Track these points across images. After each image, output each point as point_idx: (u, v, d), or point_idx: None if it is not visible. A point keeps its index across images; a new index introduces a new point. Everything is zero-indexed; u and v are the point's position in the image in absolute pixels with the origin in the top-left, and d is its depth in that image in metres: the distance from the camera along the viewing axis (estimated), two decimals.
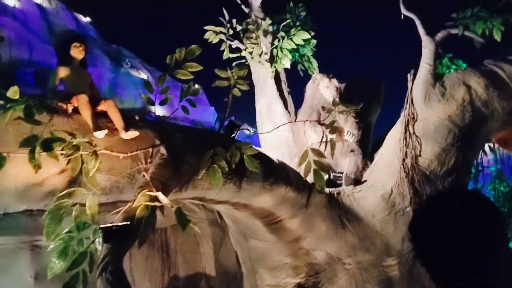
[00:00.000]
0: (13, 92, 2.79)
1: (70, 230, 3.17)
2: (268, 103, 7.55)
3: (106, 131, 3.55)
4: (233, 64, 5.94)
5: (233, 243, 6.75)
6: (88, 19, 28.16)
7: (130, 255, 6.20)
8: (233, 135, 5.11)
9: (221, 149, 4.22)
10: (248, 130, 6.40)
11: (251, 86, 7.77)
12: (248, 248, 6.27)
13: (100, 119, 3.82)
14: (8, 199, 3.17)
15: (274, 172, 5.28)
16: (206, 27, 7.49)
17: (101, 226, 2.93)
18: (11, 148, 2.97)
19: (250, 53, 7.46)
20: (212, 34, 7.53)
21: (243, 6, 7.86)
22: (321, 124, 6.59)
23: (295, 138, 7.32)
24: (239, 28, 7.43)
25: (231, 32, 7.59)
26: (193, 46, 4.71)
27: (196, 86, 4.94)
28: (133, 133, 3.74)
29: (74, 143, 3.14)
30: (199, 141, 4.49)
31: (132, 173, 3.83)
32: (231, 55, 7.53)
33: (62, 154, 3.07)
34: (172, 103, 4.78)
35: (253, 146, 4.38)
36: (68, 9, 26.31)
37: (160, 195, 3.28)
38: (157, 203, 3.26)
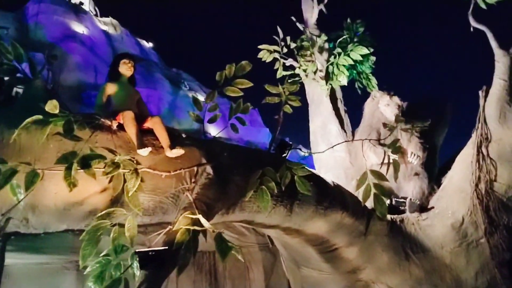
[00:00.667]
0: (52, 106, 2.70)
1: (108, 253, 2.99)
2: (323, 122, 7.17)
3: (150, 149, 3.39)
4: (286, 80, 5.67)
5: (285, 270, 6.35)
6: (150, 44, 29.56)
7: (177, 278, 6.00)
8: (284, 155, 4.79)
9: (271, 169, 3.92)
10: (300, 150, 6.03)
11: (305, 104, 7.46)
12: (300, 277, 5.86)
13: (146, 137, 3.68)
14: (48, 218, 3.06)
15: (329, 196, 4.87)
16: (260, 46, 7.35)
17: (137, 250, 2.72)
18: (52, 166, 2.87)
19: (305, 70, 7.18)
20: (266, 53, 7.37)
21: (298, 24, 7.64)
22: (382, 144, 6.09)
23: (352, 159, 6.86)
24: (293, 45, 7.20)
25: (285, 50, 7.38)
26: (243, 62, 4.52)
27: (248, 104, 4.71)
28: (178, 151, 3.55)
29: (114, 161, 2.99)
30: (247, 160, 4.23)
31: (176, 193, 3.62)
32: (285, 73, 7.29)
33: (102, 172, 2.92)
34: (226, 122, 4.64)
35: (306, 167, 4.02)
36: (132, 35, 27.80)
37: (201, 218, 3.01)
38: (198, 227, 3.00)
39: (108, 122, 3.45)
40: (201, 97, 26.91)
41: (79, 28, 22.94)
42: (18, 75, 3.34)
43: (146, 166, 3.46)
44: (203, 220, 2.99)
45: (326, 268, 5.38)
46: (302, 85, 7.40)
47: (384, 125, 6.48)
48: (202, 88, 28.87)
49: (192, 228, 2.97)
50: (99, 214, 2.99)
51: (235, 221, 4.54)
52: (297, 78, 7.34)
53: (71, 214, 3.13)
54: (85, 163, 2.71)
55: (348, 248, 5.19)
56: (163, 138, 3.64)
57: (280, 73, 7.36)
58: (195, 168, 3.61)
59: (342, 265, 5.31)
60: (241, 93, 4.54)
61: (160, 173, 3.40)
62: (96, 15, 27.37)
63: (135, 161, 3.32)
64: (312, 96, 7.40)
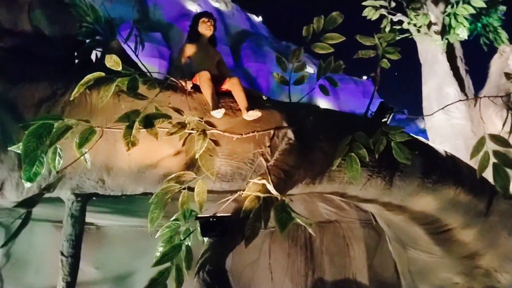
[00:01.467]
0: (113, 62, 2.57)
1: (177, 218, 2.85)
2: (438, 84, 6.20)
3: (223, 110, 3.14)
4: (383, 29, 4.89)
5: (391, 250, 5.73)
6: (260, 18, 29.59)
7: (270, 249, 5.81)
8: (384, 120, 4.17)
9: (362, 134, 3.38)
10: (403, 113, 5.25)
11: (417, 64, 6.54)
12: (407, 259, 5.21)
13: (224, 99, 3.44)
14: (123, 180, 3.03)
15: (439, 168, 4.14)
16: (364, 3, 6.61)
17: (198, 216, 2.51)
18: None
19: (415, 25, 6.24)
20: (371, 11, 6.60)
21: None
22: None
23: (475, 127, 5.83)
24: None
25: (393, 4, 6.52)
26: (333, 13, 3.98)
27: (340, 62, 4.17)
28: (254, 113, 3.24)
29: (181, 121, 2.80)
30: (337, 125, 3.74)
31: (255, 159, 3.34)
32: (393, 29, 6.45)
33: (166, 132, 2.75)
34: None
35: (405, 132, 3.40)
36: (242, 10, 28.11)
37: (268, 184, 2.68)
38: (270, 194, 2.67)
39: (182, 83, 3.28)
40: (311, 69, 26.32)
41: (193, 7, 23.86)
42: (98, 37, 3.34)
43: (221, 129, 3.23)
44: (269, 187, 2.65)
45: (436, 251, 4.68)
46: (412, 42, 6.49)
47: None
48: (312, 60, 28.13)
49: (263, 195, 2.65)
50: (169, 177, 2.85)
51: (325, 192, 4.11)
52: (407, 35, 6.45)
53: (146, 177, 3.06)
54: (148, 122, 2.56)
55: (464, 230, 4.41)
56: (241, 100, 3.36)
57: (388, 30, 6.53)
58: (272, 132, 3.26)
59: (457, 249, 4.56)
60: (331, 49, 4.03)
61: (231, 135, 3.14)
62: None
63: (207, 123, 3.10)
64: (426, 54, 6.44)
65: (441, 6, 6.20)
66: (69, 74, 2.97)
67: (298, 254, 5.94)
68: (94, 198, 3.14)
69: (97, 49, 3.38)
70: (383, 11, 6.59)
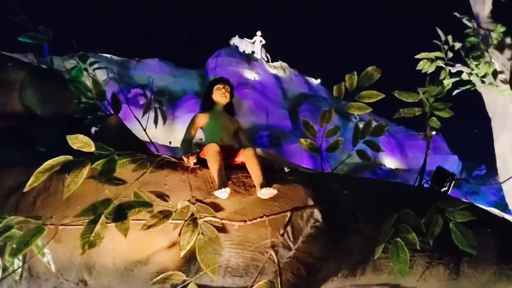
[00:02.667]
0: (80, 143, 2.14)
1: None
2: None
3: (228, 190, 2.62)
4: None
5: None
6: (318, 80, 29.68)
7: None
8: (444, 189, 3.39)
9: (410, 212, 2.67)
10: (467, 181, 4.35)
11: (486, 119, 5.67)
12: None
13: (237, 174, 2.94)
14: (108, 280, 2.54)
15: None
16: (418, 56, 6.01)
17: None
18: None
19: (478, 75, 5.46)
20: (426, 63, 5.97)
21: (465, 21, 6.03)
22: None
23: None
24: (457, 46, 5.62)
25: (449, 55, 5.85)
26: (369, 68, 3.44)
27: (382, 123, 3.56)
28: (268, 192, 2.68)
29: (165, 209, 2.30)
30: (380, 200, 3.05)
31: (275, 248, 2.72)
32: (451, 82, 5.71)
33: (143, 226, 2.25)
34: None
35: (469, 208, 2.62)
36: (301, 74, 28.44)
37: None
38: None
39: (185, 159, 2.84)
40: None
41: (250, 75, 24.59)
42: (98, 113, 3.07)
43: (231, 211, 2.70)
44: None
45: None
46: (477, 94, 5.68)
47: None
48: (375, 118, 27.23)
49: None
50: (155, 279, 2.31)
51: (372, 284, 3.32)
52: (469, 86, 5.66)
53: (135, 275, 2.54)
54: (120, 214, 2.10)
55: None
56: (255, 174, 2.83)
57: (448, 83, 5.80)
58: (289, 214, 2.65)
59: None
60: (370, 109, 3.44)
61: (232, 223, 2.58)
62: (267, 61, 29.08)
63: (212, 205, 2.59)
64: (494, 107, 5.59)
65: (508, 52, 5.42)
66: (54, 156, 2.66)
67: None
68: None
69: (97, 125, 3.10)
70: (439, 63, 5.92)
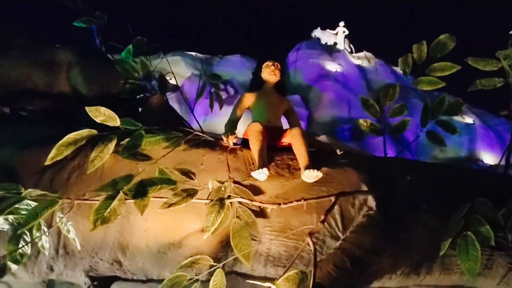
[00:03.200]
0: (103, 116, 2.04)
1: None
2: None
3: (266, 171, 2.38)
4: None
5: None
6: None
7: None
8: None
9: (486, 201, 2.20)
10: None
11: None
12: None
13: (282, 155, 2.70)
14: (142, 261, 2.45)
15: None
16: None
17: None
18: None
19: None
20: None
21: None
22: None
23: None
24: None
25: None
26: (442, 36, 2.96)
27: (458, 99, 3.05)
28: (312, 174, 2.39)
29: (189, 187, 2.12)
30: (450, 187, 2.58)
31: (321, 236, 2.45)
32: None
33: (163, 204, 2.09)
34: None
35: None
36: (387, 64, 26.87)
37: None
38: None
39: (224, 139, 2.67)
40: (469, 119, 23.14)
41: (332, 66, 23.76)
42: (146, 94, 3.02)
43: (272, 195, 2.47)
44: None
45: None
46: None
47: None
48: (471, 109, 24.79)
49: None
50: (182, 263, 2.16)
51: (442, 286, 2.85)
52: None
53: (169, 258, 2.42)
54: (141, 190, 1.97)
55: None
56: (301, 155, 2.56)
57: None
58: (333, 198, 2.33)
59: None
60: (442, 83, 2.96)
61: (266, 205, 2.32)
62: (351, 52, 27.94)
63: (251, 188, 2.38)
64: None
65: None
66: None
67: None
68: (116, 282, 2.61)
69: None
70: None
